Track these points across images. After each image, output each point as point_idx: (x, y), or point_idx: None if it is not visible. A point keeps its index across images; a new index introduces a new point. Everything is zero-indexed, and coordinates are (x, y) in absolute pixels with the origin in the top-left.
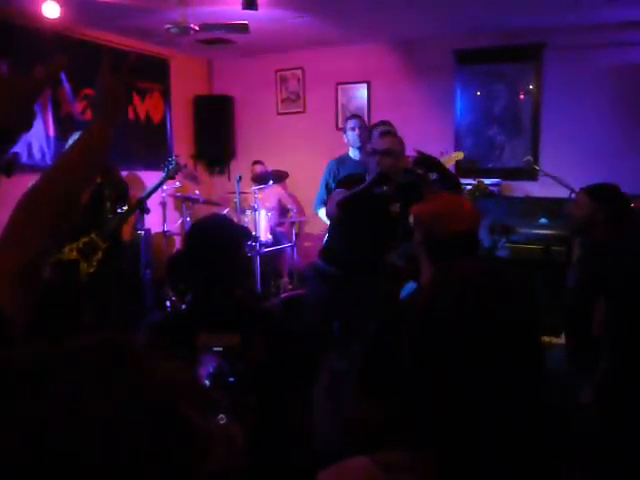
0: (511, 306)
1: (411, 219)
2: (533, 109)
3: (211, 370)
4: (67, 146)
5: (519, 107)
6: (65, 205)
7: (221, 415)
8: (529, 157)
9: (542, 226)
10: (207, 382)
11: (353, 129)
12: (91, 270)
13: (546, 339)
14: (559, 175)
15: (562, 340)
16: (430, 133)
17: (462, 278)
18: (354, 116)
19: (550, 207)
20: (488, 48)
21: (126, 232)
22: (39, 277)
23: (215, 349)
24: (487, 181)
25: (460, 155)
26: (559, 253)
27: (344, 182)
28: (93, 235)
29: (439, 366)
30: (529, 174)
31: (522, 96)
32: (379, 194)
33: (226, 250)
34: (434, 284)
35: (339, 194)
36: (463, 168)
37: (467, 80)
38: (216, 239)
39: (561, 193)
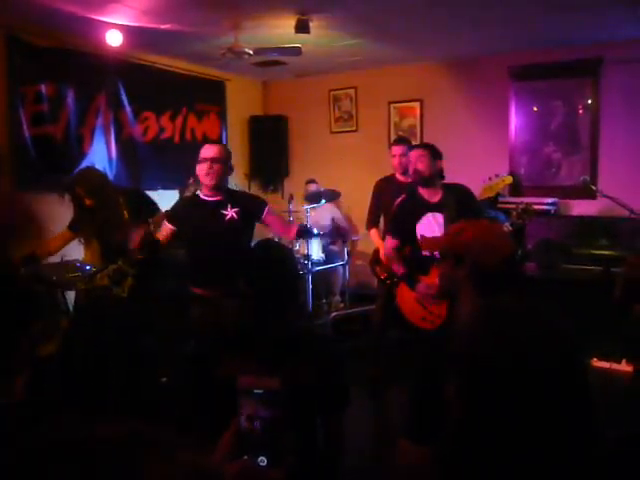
0: (554, 352)
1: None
2: (591, 125)
3: (249, 412)
4: None
5: (576, 124)
6: None
7: (261, 457)
8: (585, 177)
9: (601, 246)
10: (245, 424)
11: (394, 156)
12: (123, 295)
13: (605, 365)
14: (618, 194)
15: (623, 366)
16: (484, 151)
17: (505, 324)
18: (397, 141)
19: (609, 227)
20: (544, 64)
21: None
22: None
23: (256, 392)
24: (543, 200)
25: (509, 179)
26: (619, 275)
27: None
28: (120, 262)
29: (490, 415)
30: (587, 192)
31: (580, 111)
32: None
33: (287, 282)
34: (480, 330)
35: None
36: (518, 187)
37: (522, 97)
38: (278, 270)
39: (621, 212)
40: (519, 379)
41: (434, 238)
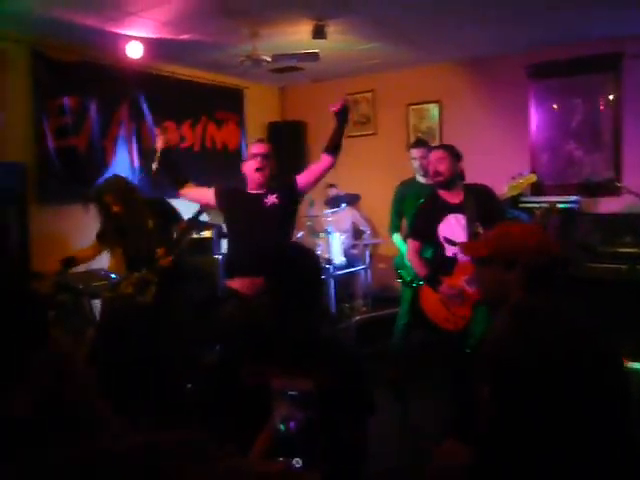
0: (585, 351)
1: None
2: (613, 121)
3: (284, 414)
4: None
5: (598, 120)
6: None
7: (296, 459)
8: (610, 174)
9: (626, 244)
10: (281, 426)
11: (415, 159)
12: (147, 303)
13: (633, 365)
14: None
15: None
16: (505, 150)
17: (535, 325)
18: (416, 143)
19: (634, 224)
20: (562, 60)
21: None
22: None
23: (290, 393)
24: (566, 198)
25: (533, 178)
26: None
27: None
28: (144, 271)
29: (524, 415)
30: (611, 190)
31: (601, 108)
32: None
33: (308, 283)
34: (510, 333)
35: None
36: (539, 186)
37: (542, 95)
38: (299, 270)
39: None
40: (549, 379)
41: (476, 243)
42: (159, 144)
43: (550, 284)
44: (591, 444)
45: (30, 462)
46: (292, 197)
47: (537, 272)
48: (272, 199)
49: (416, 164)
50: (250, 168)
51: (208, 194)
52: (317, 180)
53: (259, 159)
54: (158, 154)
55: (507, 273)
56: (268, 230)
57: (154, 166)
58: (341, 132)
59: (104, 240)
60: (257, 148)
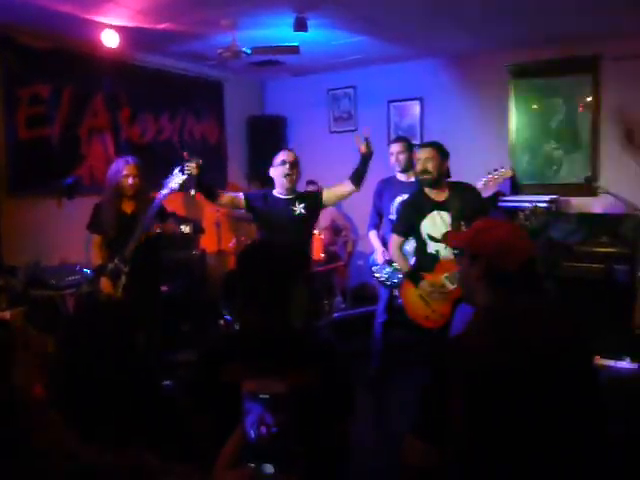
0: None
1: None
2: (592, 123)
3: (255, 419)
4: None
5: (577, 121)
6: None
7: (268, 465)
8: (588, 174)
9: (603, 244)
10: (252, 431)
11: (392, 154)
12: (117, 295)
13: (607, 362)
14: (620, 191)
15: (626, 364)
16: (484, 149)
17: (506, 327)
18: (396, 140)
19: (611, 224)
20: (543, 61)
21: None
22: None
23: (261, 396)
24: (544, 197)
25: (509, 173)
26: (621, 272)
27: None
28: (116, 260)
29: (495, 415)
30: (588, 190)
31: (581, 109)
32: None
33: (276, 278)
34: (482, 333)
35: None
36: (518, 185)
37: (522, 95)
38: (266, 266)
39: (623, 209)
40: (517, 381)
41: (458, 233)
42: (194, 171)
43: (516, 286)
44: (557, 449)
45: None
46: (316, 209)
47: (497, 271)
48: (299, 209)
49: (393, 159)
50: (279, 174)
51: (239, 201)
52: (337, 200)
53: (287, 166)
54: (195, 181)
55: (471, 267)
56: (293, 235)
57: (192, 192)
58: (366, 166)
59: (100, 231)
60: (285, 156)
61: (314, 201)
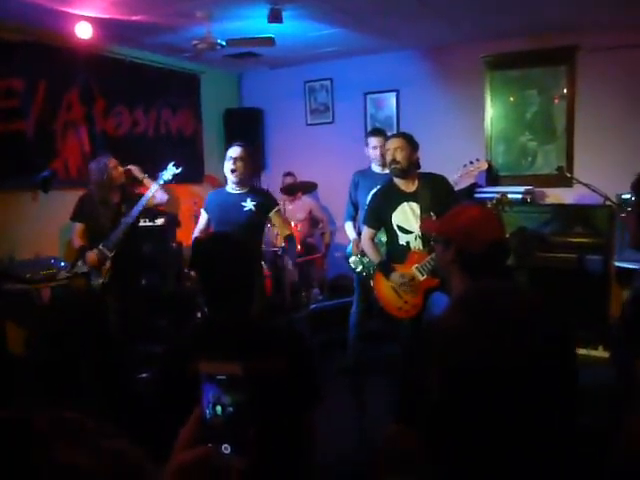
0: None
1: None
2: (567, 114)
3: (211, 399)
4: None
5: (552, 113)
6: None
7: (225, 445)
8: (561, 165)
9: (577, 234)
10: (208, 412)
11: (375, 147)
12: (102, 281)
13: (583, 352)
14: (594, 182)
15: (600, 353)
16: (460, 140)
17: (486, 305)
18: (373, 132)
19: (585, 215)
20: (519, 53)
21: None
22: None
23: (218, 377)
24: (519, 189)
25: (484, 165)
26: (594, 262)
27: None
28: (100, 246)
29: (467, 400)
30: (563, 181)
31: (556, 101)
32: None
33: (230, 268)
34: (460, 314)
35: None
36: (494, 176)
37: (498, 86)
38: (220, 257)
39: (597, 200)
40: (490, 362)
41: (433, 220)
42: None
43: (486, 268)
44: (542, 429)
45: None
46: (264, 211)
47: (467, 254)
48: (250, 205)
49: (373, 153)
50: (226, 169)
51: (204, 217)
52: (275, 224)
53: (232, 161)
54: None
55: (445, 252)
56: (243, 229)
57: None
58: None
59: (85, 220)
60: (232, 151)
61: (265, 204)
